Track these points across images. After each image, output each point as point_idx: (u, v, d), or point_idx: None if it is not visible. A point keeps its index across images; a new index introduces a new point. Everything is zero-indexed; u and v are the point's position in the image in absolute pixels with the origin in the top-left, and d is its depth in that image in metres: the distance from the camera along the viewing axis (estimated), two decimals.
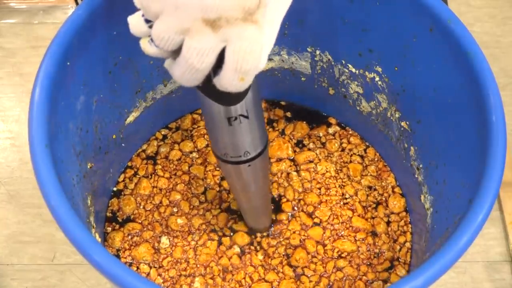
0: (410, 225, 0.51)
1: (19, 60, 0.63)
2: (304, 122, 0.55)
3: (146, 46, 0.30)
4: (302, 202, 0.51)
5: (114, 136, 0.48)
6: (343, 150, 0.54)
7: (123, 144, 0.50)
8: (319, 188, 0.52)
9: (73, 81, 0.38)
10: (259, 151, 0.38)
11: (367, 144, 0.55)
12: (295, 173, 0.52)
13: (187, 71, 0.29)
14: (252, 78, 0.30)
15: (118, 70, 0.43)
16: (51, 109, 0.34)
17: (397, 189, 0.53)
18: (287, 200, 0.51)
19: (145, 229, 0.49)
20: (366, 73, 0.48)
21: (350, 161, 0.54)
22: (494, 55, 0.64)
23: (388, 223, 0.51)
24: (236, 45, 0.28)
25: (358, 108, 0.52)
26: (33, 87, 0.34)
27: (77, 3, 0.65)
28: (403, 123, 0.48)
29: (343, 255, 0.49)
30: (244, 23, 0.28)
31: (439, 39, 0.39)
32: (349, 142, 0.55)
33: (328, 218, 0.50)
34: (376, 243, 0.50)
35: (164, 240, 0.48)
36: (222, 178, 0.51)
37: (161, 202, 0.50)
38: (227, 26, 0.28)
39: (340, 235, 0.50)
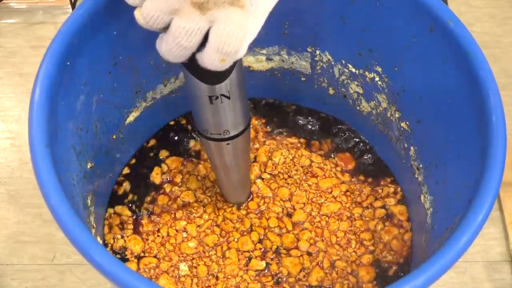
0: (376, 154, 0.53)
1: (19, 60, 0.63)
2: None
3: (139, 17, 0.31)
4: (280, 202, 0.51)
5: (114, 136, 0.48)
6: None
7: (123, 144, 0.50)
8: (285, 179, 0.52)
9: (73, 81, 0.38)
10: (239, 131, 0.40)
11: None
12: (259, 180, 0.52)
13: (175, 48, 0.30)
14: (232, 61, 0.31)
15: (118, 70, 0.43)
16: (51, 109, 0.34)
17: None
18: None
19: (161, 261, 0.47)
20: (366, 73, 0.48)
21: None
22: (494, 55, 0.64)
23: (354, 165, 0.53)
24: (221, 27, 0.29)
25: (358, 108, 0.52)
26: (33, 87, 0.34)
27: (73, 7, 0.65)
28: (403, 123, 0.48)
29: (331, 219, 0.50)
30: (231, 7, 0.29)
31: (439, 39, 0.39)
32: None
33: (305, 198, 0.51)
34: (352, 187, 0.51)
35: (183, 267, 0.47)
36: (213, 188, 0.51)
37: (168, 234, 0.49)
38: (215, 8, 0.29)
39: (320, 203, 0.50)
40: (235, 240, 0.48)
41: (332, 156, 0.53)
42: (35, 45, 0.64)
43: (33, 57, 0.63)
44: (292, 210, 0.50)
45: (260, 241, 0.49)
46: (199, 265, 0.47)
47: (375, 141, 0.54)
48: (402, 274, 0.47)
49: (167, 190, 0.51)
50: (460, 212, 0.36)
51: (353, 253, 0.48)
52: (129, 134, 0.50)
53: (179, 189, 0.51)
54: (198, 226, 0.49)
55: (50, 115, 0.34)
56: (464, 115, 0.39)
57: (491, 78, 0.36)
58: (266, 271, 0.47)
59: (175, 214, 0.49)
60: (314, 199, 0.51)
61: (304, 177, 0.52)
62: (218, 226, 0.49)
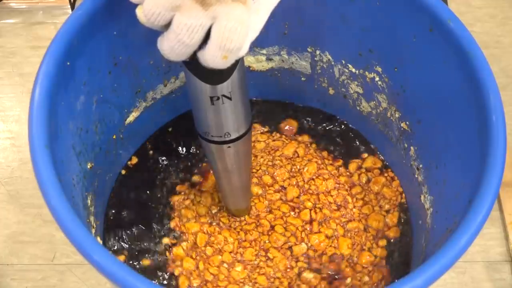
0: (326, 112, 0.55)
1: (19, 60, 0.63)
2: None
3: (141, 15, 0.31)
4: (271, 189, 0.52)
5: (114, 136, 0.48)
6: None
7: (123, 144, 0.50)
8: (258, 169, 0.53)
9: (73, 81, 0.38)
10: (240, 134, 0.39)
11: None
12: None
13: (176, 45, 0.30)
14: (234, 58, 0.31)
15: (118, 70, 0.43)
16: (51, 109, 0.34)
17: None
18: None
19: None
20: (366, 73, 0.48)
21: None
22: (494, 55, 0.64)
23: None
24: (223, 23, 0.29)
25: (358, 108, 0.52)
26: (33, 87, 0.34)
27: (72, 7, 0.65)
28: (403, 123, 0.48)
29: (317, 180, 0.51)
30: (233, 2, 0.29)
31: (439, 39, 0.39)
32: None
33: (287, 173, 0.52)
34: (325, 146, 0.54)
35: None
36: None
37: (212, 274, 0.48)
38: (217, 4, 0.29)
39: (299, 170, 0.52)
40: (267, 241, 0.49)
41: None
42: (35, 45, 0.64)
43: (33, 57, 0.63)
44: (284, 190, 0.51)
45: (286, 230, 0.49)
46: (256, 278, 0.47)
47: (375, 141, 0.54)
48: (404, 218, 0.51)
49: (179, 253, 0.49)
50: (460, 212, 0.36)
51: (354, 209, 0.50)
52: (129, 134, 0.50)
53: (187, 244, 0.49)
54: (231, 252, 0.49)
55: (50, 115, 0.34)
56: (464, 115, 0.39)
57: (491, 78, 0.36)
58: (312, 248, 0.48)
59: (205, 252, 0.48)
60: (293, 169, 0.52)
61: (270, 157, 0.53)
62: (245, 241, 0.49)
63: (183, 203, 0.51)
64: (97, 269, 0.30)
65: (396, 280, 0.35)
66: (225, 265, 0.48)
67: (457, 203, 0.38)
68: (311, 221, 0.50)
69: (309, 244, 0.49)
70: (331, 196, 0.51)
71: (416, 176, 0.48)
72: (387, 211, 0.50)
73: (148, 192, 0.51)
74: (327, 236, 0.49)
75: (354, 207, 0.50)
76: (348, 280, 0.47)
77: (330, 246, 0.49)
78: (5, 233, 0.53)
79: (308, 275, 0.47)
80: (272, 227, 0.49)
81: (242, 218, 0.50)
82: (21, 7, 0.67)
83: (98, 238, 0.46)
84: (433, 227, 0.43)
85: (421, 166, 0.47)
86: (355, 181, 0.52)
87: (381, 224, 0.50)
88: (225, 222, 0.50)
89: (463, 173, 0.39)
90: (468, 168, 0.37)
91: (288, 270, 0.48)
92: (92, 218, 0.44)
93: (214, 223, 0.50)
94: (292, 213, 0.50)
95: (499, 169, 0.34)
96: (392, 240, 0.49)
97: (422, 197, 0.47)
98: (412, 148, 0.48)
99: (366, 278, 0.47)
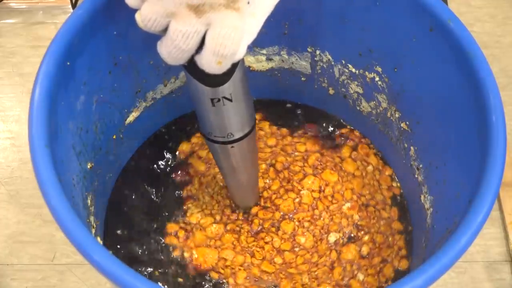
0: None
1: (19, 60, 0.63)
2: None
3: (139, 20, 0.31)
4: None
5: (114, 136, 0.48)
6: None
7: (123, 144, 0.50)
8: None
9: (73, 81, 0.38)
10: (243, 134, 0.39)
11: None
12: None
13: (173, 51, 0.31)
14: (230, 63, 0.31)
15: (118, 70, 0.43)
16: (51, 109, 0.34)
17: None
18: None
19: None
20: (366, 73, 0.48)
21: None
22: (494, 55, 0.64)
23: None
24: (216, 30, 0.29)
25: (358, 108, 0.52)
26: (33, 87, 0.34)
27: (73, 7, 0.65)
28: (403, 124, 0.48)
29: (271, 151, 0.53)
30: (226, 10, 0.29)
31: (439, 39, 0.39)
32: None
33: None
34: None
35: (333, 238, 0.49)
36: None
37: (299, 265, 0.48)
38: (211, 11, 0.29)
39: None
40: (284, 213, 0.50)
41: None
42: (35, 45, 0.64)
43: (33, 57, 0.63)
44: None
45: (279, 194, 0.51)
46: (316, 229, 0.49)
47: (375, 141, 0.54)
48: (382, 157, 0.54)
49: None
50: (460, 212, 0.36)
51: (306, 168, 0.52)
52: (129, 134, 0.50)
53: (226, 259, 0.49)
54: (286, 240, 0.49)
55: (50, 115, 0.34)
56: (464, 115, 0.39)
57: (491, 78, 0.36)
58: (311, 189, 0.51)
59: (276, 263, 0.48)
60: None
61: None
62: (277, 226, 0.50)
63: (223, 263, 0.48)
64: (97, 269, 0.30)
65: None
66: (296, 248, 0.49)
67: (457, 203, 0.38)
68: (281, 176, 0.52)
69: (306, 188, 0.51)
70: (277, 160, 0.53)
71: (416, 176, 0.48)
72: (336, 147, 0.54)
73: (148, 192, 0.51)
74: (315, 176, 0.52)
75: (303, 166, 0.52)
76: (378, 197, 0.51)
77: (326, 187, 0.51)
78: (5, 233, 0.53)
79: (350, 212, 0.50)
80: (273, 202, 0.50)
81: (250, 220, 0.50)
82: (21, 7, 0.67)
83: (98, 238, 0.46)
84: (433, 227, 0.43)
85: (421, 166, 0.47)
86: (297, 141, 0.54)
87: (337, 157, 0.53)
88: (250, 239, 0.49)
89: (463, 173, 0.39)
90: (468, 168, 0.37)
91: (325, 217, 0.50)
92: (92, 218, 0.44)
93: (253, 251, 0.49)
94: (267, 180, 0.51)
95: (499, 169, 0.34)
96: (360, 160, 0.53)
97: (422, 197, 0.47)
98: (412, 148, 0.48)
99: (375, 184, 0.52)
